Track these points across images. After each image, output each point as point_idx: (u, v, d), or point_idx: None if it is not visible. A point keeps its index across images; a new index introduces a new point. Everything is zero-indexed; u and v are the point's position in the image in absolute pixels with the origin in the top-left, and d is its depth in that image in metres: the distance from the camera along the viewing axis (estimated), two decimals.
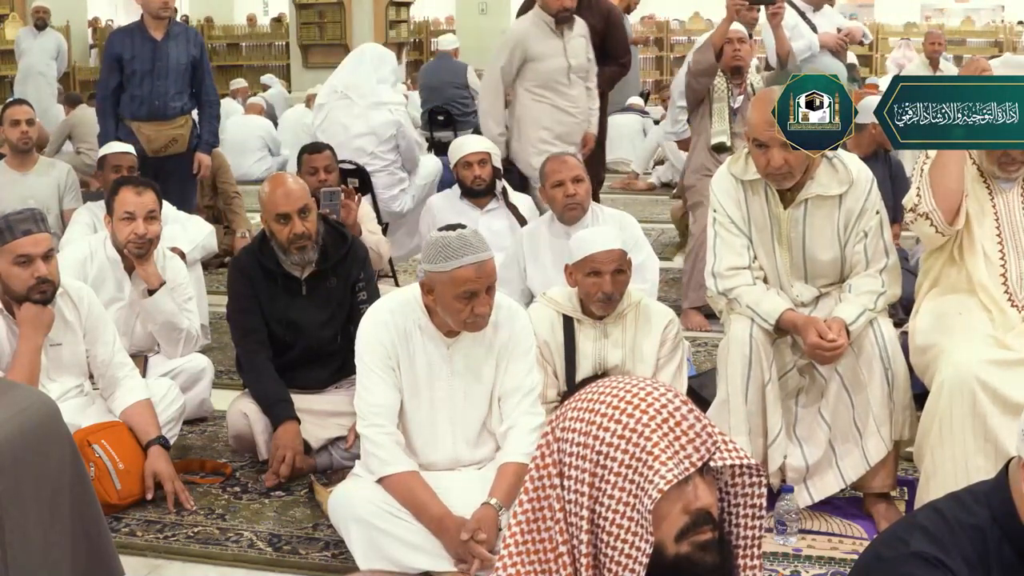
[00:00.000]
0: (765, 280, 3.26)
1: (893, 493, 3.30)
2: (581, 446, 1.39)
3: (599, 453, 1.38)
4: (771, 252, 3.26)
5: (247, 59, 16.07)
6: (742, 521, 1.48)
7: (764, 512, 1.48)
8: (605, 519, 1.37)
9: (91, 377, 3.61)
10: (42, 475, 2.25)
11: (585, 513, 1.38)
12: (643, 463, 1.35)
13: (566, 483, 1.40)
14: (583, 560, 1.38)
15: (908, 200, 3.09)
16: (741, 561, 1.48)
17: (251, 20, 18.24)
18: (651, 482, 1.34)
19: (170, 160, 5.58)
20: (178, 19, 5.95)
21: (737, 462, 1.40)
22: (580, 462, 1.39)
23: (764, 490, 1.47)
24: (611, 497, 1.37)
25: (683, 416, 1.38)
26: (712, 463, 1.39)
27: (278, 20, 17.32)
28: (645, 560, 1.35)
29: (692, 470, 1.36)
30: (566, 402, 1.47)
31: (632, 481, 1.36)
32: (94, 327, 3.51)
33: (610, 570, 1.37)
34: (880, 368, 3.14)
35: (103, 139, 5.61)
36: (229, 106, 10.57)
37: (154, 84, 5.54)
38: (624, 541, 1.36)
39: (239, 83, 12.36)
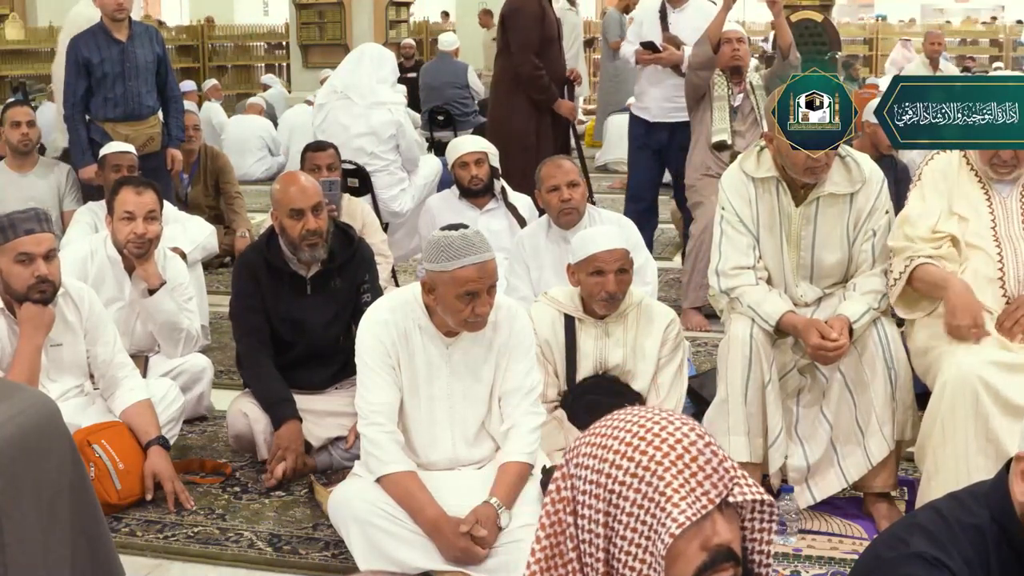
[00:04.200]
0: (769, 281, 3.26)
1: (894, 493, 3.30)
2: (594, 484, 1.35)
3: (611, 492, 1.33)
4: (778, 251, 3.26)
5: (247, 59, 16.07)
6: (757, 557, 1.43)
7: (772, 548, 1.44)
8: (619, 560, 1.33)
9: (91, 377, 3.61)
10: (42, 476, 2.25)
11: (600, 555, 1.34)
12: (656, 504, 1.30)
13: (579, 522, 1.36)
14: None
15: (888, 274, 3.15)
16: None
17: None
18: (663, 525, 1.29)
19: (147, 159, 5.56)
20: (137, 19, 5.92)
21: (758, 497, 1.35)
22: (593, 500, 1.34)
23: (773, 535, 1.43)
24: (624, 538, 1.32)
25: (699, 451, 1.33)
26: (731, 498, 1.33)
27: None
28: None
29: (710, 507, 1.31)
30: (580, 435, 1.42)
31: (645, 523, 1.31)
32: (95, 327, 3.51)
33: None
34: (883, 367, 3.14)
35: (76, 144, 5.57)
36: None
37: (126, 85, 5.52)
38: None
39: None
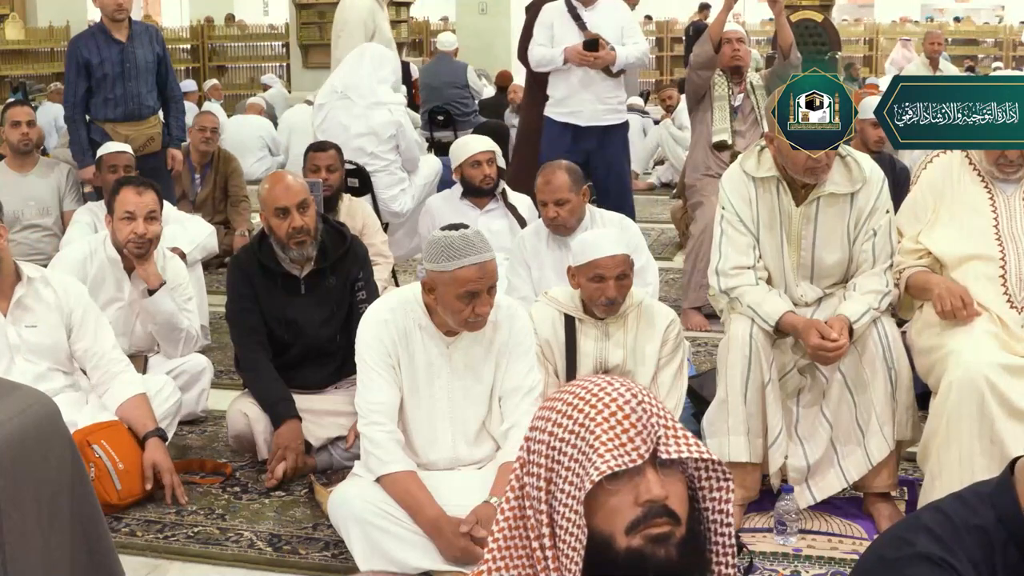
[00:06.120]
0: (769, 281, 3.26)
1: (894, 493, 3.30)
2: (540, 443, 1.41)
3: (553, 449, 1.40)
4: (779, 251, 3.26)
5: (247, 59, 16.07)
6: (717, 517, 1.46)
7: (731, 519, 1.45)
8: (558, 513, 1.39)
9: (84, 372, 3.60)
10: (42, 476, 2.25)
11: (544, 508, 1.40)
12: (586, 456, 1.36)
13: (529, 480, 1.42)
14: (548, 553, 1.39)
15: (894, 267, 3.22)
16: (716, 568, 1.45)
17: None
18: (588, 474, 1.35)
19: (148, 159, 5.56)
20: (138, 19, 5.91)
21: (696, 455, 1.39)
22: (538, 459, 1.41)
23: (731, 495, 1.45)
24: (562, 491, 1.38)
25: (632, 409, 1.38)
26: (662, 455, 1.38)
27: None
28: (582, 551, 1.35)
29: (639, 461, 1.35)
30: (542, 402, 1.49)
31: (578, 475, 1.37)
32: (80, 321, 3.49)
33: (561, 563, 1.38)
34: (883, 368, 3.14)
35: (76, 145, 5.57)
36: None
37: (126, 86, 5.51)
38: (571, 534, 1.37)
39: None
